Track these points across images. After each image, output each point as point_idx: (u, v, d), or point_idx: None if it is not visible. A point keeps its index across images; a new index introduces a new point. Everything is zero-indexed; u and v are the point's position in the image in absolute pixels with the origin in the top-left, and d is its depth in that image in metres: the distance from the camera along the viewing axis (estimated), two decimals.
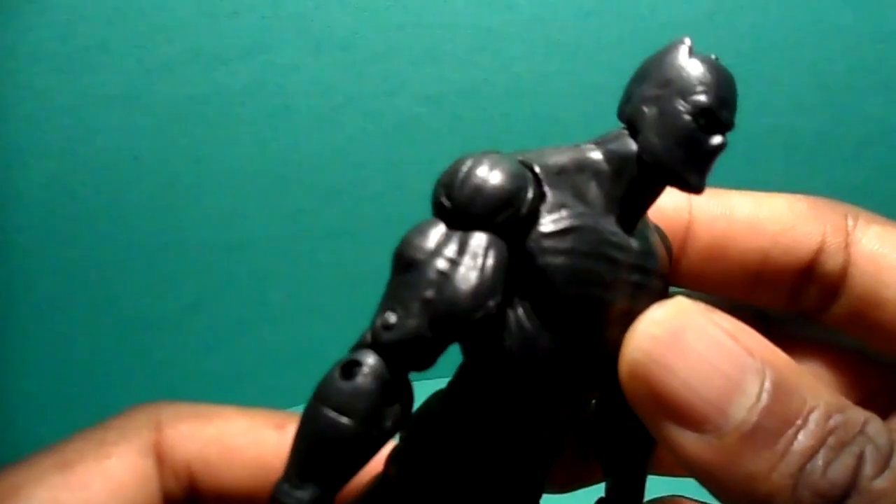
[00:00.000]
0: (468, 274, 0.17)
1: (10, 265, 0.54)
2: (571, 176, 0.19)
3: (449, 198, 0.18)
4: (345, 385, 0.17)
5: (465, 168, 0.18)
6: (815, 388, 0.18)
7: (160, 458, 0.23)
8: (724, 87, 0.19)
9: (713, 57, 0.20)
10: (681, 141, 0.19)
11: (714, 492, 0.18)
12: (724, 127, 0.19)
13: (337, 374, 0.17)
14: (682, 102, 0.19)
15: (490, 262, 0.17)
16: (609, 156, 0.19)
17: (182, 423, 0.23)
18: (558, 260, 0.18)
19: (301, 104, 0.54)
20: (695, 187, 0.19)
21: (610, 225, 0.19)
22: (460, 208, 0.18)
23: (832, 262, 0.23)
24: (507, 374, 0.19)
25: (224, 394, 0.59)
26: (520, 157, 0.19)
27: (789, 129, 0.57)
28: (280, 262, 0.57)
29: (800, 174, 0.59)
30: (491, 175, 0.18)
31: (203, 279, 0.56)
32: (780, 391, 0.17)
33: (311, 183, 0.56)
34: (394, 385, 0.17)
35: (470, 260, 0.17)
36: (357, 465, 0.17)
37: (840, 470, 0.17)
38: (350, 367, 0.17)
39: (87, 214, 0.54)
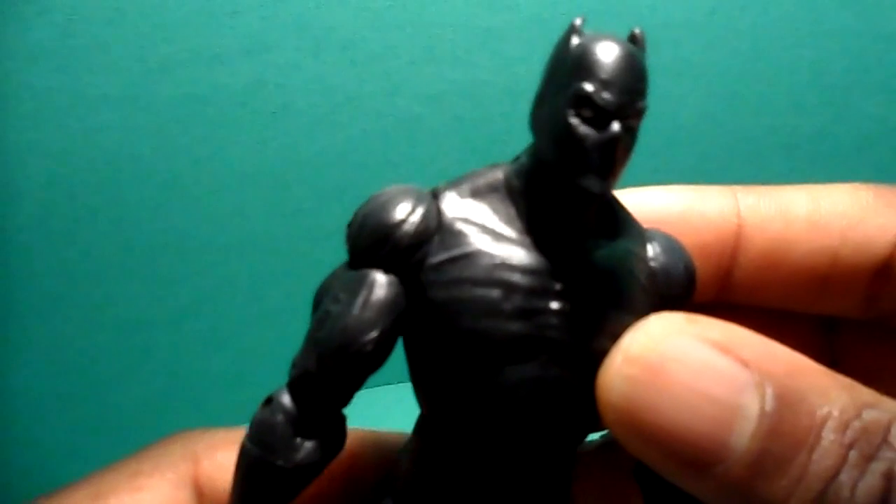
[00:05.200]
0: (343, 312, 0.17)
1: (10, 265, 0.54)
2: (485, 198, 0.17)
3: (346, 238, 0.18)
4: (258, 417, 0.18)
5: (359, 208, 0.18)
6: (826, 388, 0.15)
7: (199, 491, 0.22)
8: (608, 66, 0.16)
9: (633, 33, 0.17)
10: (564, 139, 0.16)
11: None
12: (612, 114, 0.15)
13: (260, 406, 0.18)
14: (562, 95, 0.16)
15: (367, 299, 0.17)
16: (519, 170, 0.18)
17: (219, 452, 0.22)
18: (444, 293, 0.17)
19: (301, 104, 0.54)
20: (594, 191, 0.16)
21: (517, 247, 0.17)
22: (351, 248, 0.18)
23: None
24: (432, 417, 0.18)
25: (224, 394, 0.59)
26: (436, 186, 0.18)
27: (789, 129, 0.57)
28: (280, 262, 0.57)
29: (800, 174, 0.59)
30: (372, 211, 0.17)
31: (203, 279, 0.56)
32: (785, 405, 0.15)
33: (311, 183, 0.56)
34: (306, 421, 0.17)
35: (349, 298, 0.17)
36: (274, 496, 0.18)
37: (868, 495, 0.14)
38: (267, 401, 0.18)
39: (87, 214, 0.54)
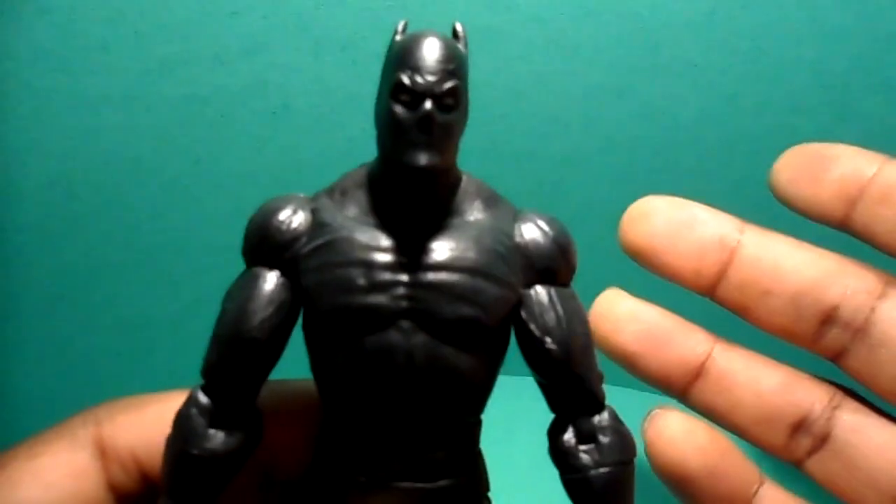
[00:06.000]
0: (233, 306, 0.19)
1: (10, 265, 0.54)
2: (352, 195, 0.20)
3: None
4: (178, 411, 0.20)
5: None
6: None
7: (103, 453, 0.22)
8: (418, 55, 0.18)
9: (454, 28, 0.20)
10: (387, 124, 0.18)
11: None
12: (423, 95, 0.18)
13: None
14: (386, 87, 0.19)
15: (252, 292, 0.19)
16: (374, 164, 0.20)
17: (120, 415, 0.23)
18: (312, 278, 0.19)
19: (301, 104, 0.54)
20: (420, 165, 0.18)
21: (373, 229, 0.19)
22: (243, 252, 0.20)
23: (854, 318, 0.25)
24: (322, 398, 0.20)
25: None
26: (316, 193, 0.20)
27: (789, 129, 0.57)
28: None
29: None
30: (254, 218, 0.20)
31: (203, 279, 0.56)
32: None
33: (311, 183, 0.56)
34: (218, 413, 0.19)
35: (238, 293, 0.19)
36: (196, 486, 0.19)
37: None
38: (187, 398, 0.20)
39: (87, 214, 0.54)
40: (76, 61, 0.51)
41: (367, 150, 0.63)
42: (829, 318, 0.25)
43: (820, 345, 0.25)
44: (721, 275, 0.26)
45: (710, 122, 0.56)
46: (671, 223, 0.25)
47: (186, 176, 0.54)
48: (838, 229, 0.26)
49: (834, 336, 0.25)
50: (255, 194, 0.62)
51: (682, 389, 0.26)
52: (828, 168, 0.26)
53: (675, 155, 0.57)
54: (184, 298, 0.57)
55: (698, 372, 0.25)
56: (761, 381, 0.25)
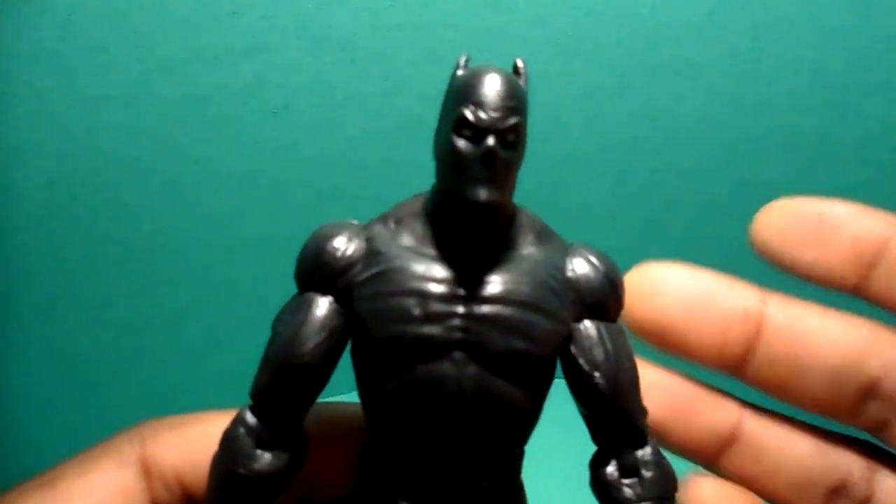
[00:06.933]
0: (286, 331, 0.20)
1: (10, 265, 0.54)
2: (406, 224, 0.20)
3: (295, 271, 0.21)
4: (226, 432, 0.20)
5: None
6: None
7: (147, 471, 0.23)
8: (481, 91, 0.18)
9: (515, 64, 0.20)
10: (449, 158, 0.18)
11: None
12: (486, 130, 0.18)
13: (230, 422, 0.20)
14: (448, 121, 0.19)
15: (305, 317, 0.19)
16: (431, 196, 0.20)
17: (164, 434, 0.23)
18: (366, 305, 0.19)
19: (301, 104, 0.54)
20: (480, 200, 0.18)
21: (428, 260, 0.19)
22: (296, 277, 0.21)
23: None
24: (370, 425, 0.20)
25: (224, 394, 0.59)
26: (370, 220, 0.21)
27: (789, 129, 0.58)
28: (280, 262, 0.57)
29: (800, 174, 0.59)
30: (308, 245, 0.20)
31: (203, 279, 0.56)
32: None
33: (311, 183, 0.56)
34: (266, 434, 0.20)
35: (291, 318, 0.20)
36: (241, 503, 0.20)
37: None
38: (235, 418, 0.20)
39: (87, 214, 0.54)
40: (76, 61, 0.51)
41: (366, 150, 0.63)
42: (870, 391, 0.23)
43: (860, 419, 0.24)
44: (748, 351, 0.24)
45: (710, 122, 0.56)
46: (686, 297, 0.23)
47: (186, 176, 0.54)
48: (849, 295, 0.24)
49: (875, 409, 0.23)
50: (255, 194, 0.62)
51: (712, 457, 0.25)
52: (835, 229, 0.24)
53: (675, 155, 0.57)
54: (183, 298, 0.57)
55: (729, 439, 0.24)
56: (795, 446, 0.24)
